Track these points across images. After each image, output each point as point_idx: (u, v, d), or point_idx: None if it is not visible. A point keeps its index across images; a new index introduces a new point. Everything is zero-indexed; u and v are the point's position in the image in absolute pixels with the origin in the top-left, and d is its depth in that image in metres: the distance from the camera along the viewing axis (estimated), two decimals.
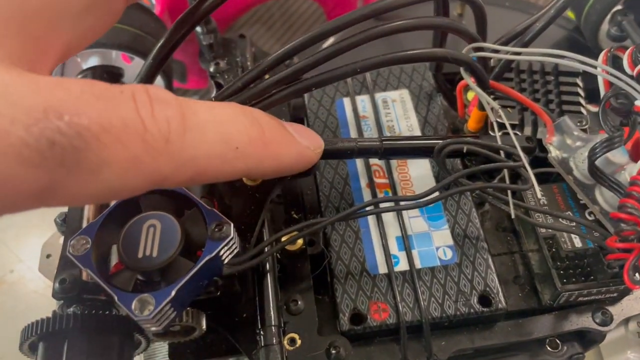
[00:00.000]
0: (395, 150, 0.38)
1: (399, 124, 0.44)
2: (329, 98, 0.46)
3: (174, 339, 0.36)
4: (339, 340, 0.34)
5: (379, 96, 0.46)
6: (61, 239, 0.41)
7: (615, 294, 0.37)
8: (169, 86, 0.49)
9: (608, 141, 0.33)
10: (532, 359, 0.37)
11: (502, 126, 0.38)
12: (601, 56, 0.37)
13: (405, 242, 0.38)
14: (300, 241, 0.38)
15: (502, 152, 0.36)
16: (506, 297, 0.37)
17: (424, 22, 0.36)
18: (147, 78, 0.40)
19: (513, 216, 0.35)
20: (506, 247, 0.40)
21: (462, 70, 0.37)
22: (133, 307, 0.29)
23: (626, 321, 0.43)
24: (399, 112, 0.45)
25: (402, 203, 0.36)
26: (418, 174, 0.42)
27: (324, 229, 0.39)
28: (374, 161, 0.42)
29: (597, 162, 0.35)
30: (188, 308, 0.34)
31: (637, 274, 0.31)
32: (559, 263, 0.36)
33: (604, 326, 0.36)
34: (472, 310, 0.35)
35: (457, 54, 0.36)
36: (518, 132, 0.42)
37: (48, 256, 0.43)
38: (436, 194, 0.35)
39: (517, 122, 0.42)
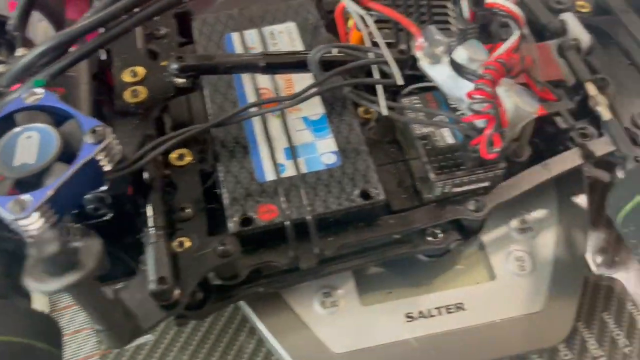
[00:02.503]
0: (277, 64, 0.40)
1: None
2: (218, 33, 0.47)
3: None
4: (227, 239, 0.35)
5: (267, 29, 0.48)
6: None
7: (486, 183, 0.40)
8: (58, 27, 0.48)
9: (462, 33, 0.36)
10: (414, 250, 0.40)
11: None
12: None
13: (292, 151, 0.40)
14: (189, 157, 0.39)
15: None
16: (388, 194, 0.39)
17: None
18: (23, 13, 0.41)
19: (384, 113, 0.38)
20: (390, 158, 0.43)
21: None
22: (9, 207, 0.29)
23: (508, 219, 0.46)
24: (286, 42, 0.47)
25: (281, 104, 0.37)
26: None
27: (213, 147, 0.40)
28: (262, 84, 0.44)
29: (462, 63, 0.38)
30: (77, 224, 0.34)
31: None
32: (432, 158, 0.39)
33: (478, 212, 0.39)
34: (353, 204, 0.37)
35: None
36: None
37: None
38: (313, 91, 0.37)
39: (393, 41, 0.45)
